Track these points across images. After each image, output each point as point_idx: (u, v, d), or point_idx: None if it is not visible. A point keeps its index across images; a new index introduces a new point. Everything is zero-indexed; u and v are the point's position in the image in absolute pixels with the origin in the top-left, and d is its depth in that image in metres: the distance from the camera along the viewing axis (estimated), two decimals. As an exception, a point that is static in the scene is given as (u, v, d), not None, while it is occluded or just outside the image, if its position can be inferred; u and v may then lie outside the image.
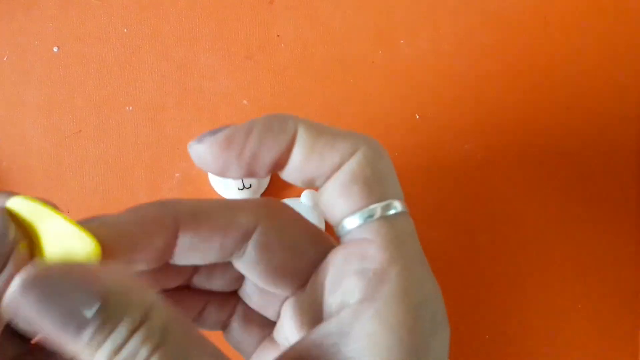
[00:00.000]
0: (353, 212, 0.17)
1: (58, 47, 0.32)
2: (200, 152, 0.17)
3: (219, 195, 0.31)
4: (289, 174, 0.18)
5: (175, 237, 0.17)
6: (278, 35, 0.32)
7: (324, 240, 0.19)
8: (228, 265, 0.19)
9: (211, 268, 0.20)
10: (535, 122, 0.32)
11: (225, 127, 0.17)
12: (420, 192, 0.32)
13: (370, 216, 0.17)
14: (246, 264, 0.18)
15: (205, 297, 0.21)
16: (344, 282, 0.17)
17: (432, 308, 0.17)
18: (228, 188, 0.31)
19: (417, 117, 0.32)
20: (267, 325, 0.21)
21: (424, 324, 0.16)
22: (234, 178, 0.18)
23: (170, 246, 0.17)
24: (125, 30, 0.32)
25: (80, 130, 0.32)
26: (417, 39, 0.32)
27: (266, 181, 0.32)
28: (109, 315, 0.14)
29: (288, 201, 0.32)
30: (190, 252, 0.18)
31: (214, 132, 0.17)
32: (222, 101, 0.32)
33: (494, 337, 0.32)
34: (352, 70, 0.32)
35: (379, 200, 0.17)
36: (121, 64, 0.32)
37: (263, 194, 0.32)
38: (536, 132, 0.32)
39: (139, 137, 0.32)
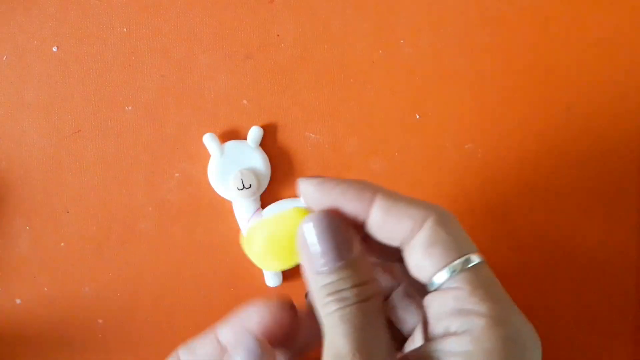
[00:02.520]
0: (439, 269, 0.20)
1: (57, 47, 0.32)
2: (302, 187, 0.22)
3: (219, 195, 0.31)
4: (370, 231, 0.21)
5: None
6: (278, 35, 0.32)
7: None
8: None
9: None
10: (535, 122, 0.32)
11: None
12: (420, 192, 0.32)
13: (455, 270, 0.20)
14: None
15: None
16: (444, 318, 0.20)
17: (522, 338, 0.20)
18: (228, 189, 0.31)
19: (417, 117, 0.32)
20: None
21: (515, 351, 0.19)
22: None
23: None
24: (125, 30, 0.32)
25: (80, 130, 0.32)
26: (417, 39, 0.32)
27: (266, 181, 0.32)
28: (347, 269, 0.20)
29: (288, 201, 0.32)
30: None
31: (315, 177, 0.22)
32: (222, 101, 0.32)
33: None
34: (352, 70, 0.32)
35: (459, 256, 0.20)
36: (121, 64, 0.32)
37: (263, 194, 0.32)
38: (536, 132, 0.32)
39: (139, 137, 0.32)
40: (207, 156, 0.31)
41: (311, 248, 0.20)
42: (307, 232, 0.21)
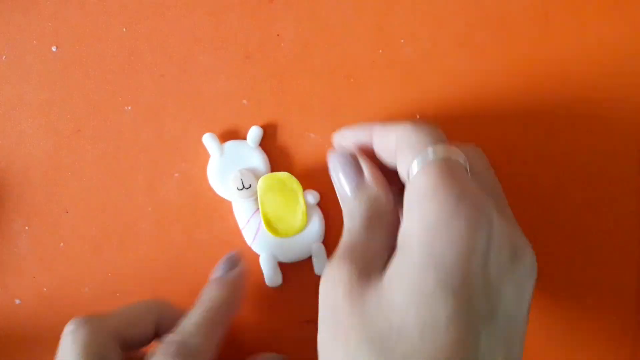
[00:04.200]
0: (409, 165, 0.24)
1: (57, 47, 0.32)
2: (335, 137, 0.30)
3: (218, 195, 0.31)
4: (379, 156, 0.28)
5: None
6: (278, 35, 0.32)
7: None
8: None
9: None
10: (536, 122, 0.32)
11: None
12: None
13: (422, 161, 0.23)
14: None
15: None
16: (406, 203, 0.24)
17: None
18: (227, 189, 0.31)
19: (417, 117, 0.32)
20: None
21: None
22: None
23: None
24: (124, 29, 0.32)
25: (79, 130, 0.32)
26: (417, 39, 0.32)
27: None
28: (360, 187, 0.27)
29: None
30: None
31: None
32: (221, 101, 0.32)
33: (494, 337, 0.32)
34: (352, 70, 0.32)
35: (423, 149, 0.24)
36: (120, 64, 0.32)
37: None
38: (536, 132, 0.32)
39: (138, 137, 0.32)
40: (206, 156, 0.31)
41: (335, 177, 0.28)
42: (331, 166, 0.28)
